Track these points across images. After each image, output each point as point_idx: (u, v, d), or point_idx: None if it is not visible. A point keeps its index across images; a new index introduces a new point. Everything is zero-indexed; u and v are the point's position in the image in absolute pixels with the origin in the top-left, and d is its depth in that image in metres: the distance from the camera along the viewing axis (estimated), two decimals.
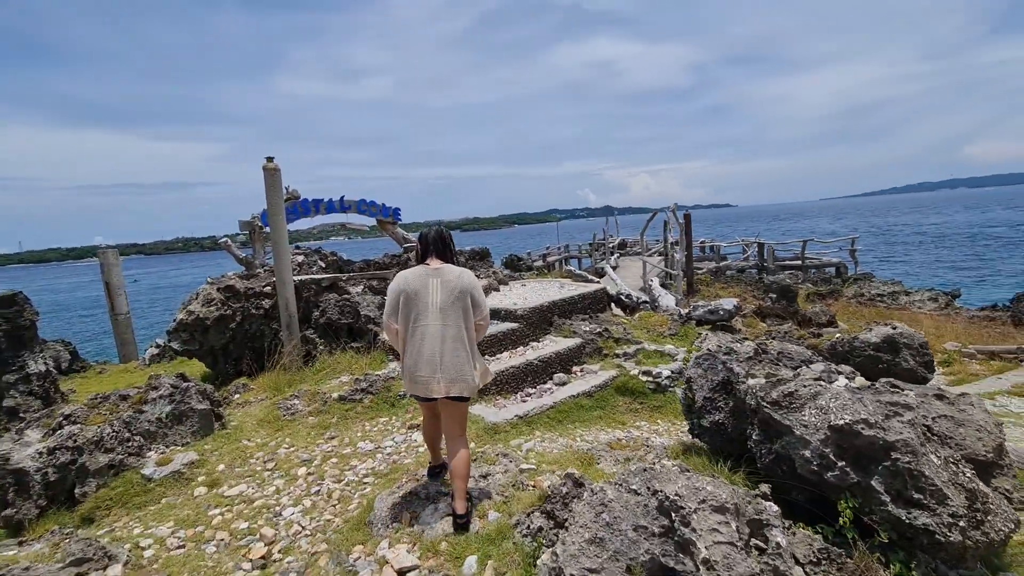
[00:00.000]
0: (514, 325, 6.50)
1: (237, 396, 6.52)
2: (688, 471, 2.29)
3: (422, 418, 3.42)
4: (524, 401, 5.43)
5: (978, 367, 8.48)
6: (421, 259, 3.06)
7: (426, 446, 3.52)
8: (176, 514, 3.66)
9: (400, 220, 13.27)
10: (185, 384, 4.80)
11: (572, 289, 8.02)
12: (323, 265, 9.58)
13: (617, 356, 6.49)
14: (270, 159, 6.87)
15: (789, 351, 3.55)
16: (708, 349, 3.31)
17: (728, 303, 7.10)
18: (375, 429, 5.04)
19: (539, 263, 24.25)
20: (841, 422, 2.27)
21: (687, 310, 7.95)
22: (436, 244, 3.04)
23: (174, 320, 7.29)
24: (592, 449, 4.07)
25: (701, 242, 28.65)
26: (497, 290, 8.72)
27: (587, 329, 6.86)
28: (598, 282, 10.47)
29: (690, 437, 3.71)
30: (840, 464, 2.25)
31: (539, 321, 6.92)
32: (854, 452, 2.27)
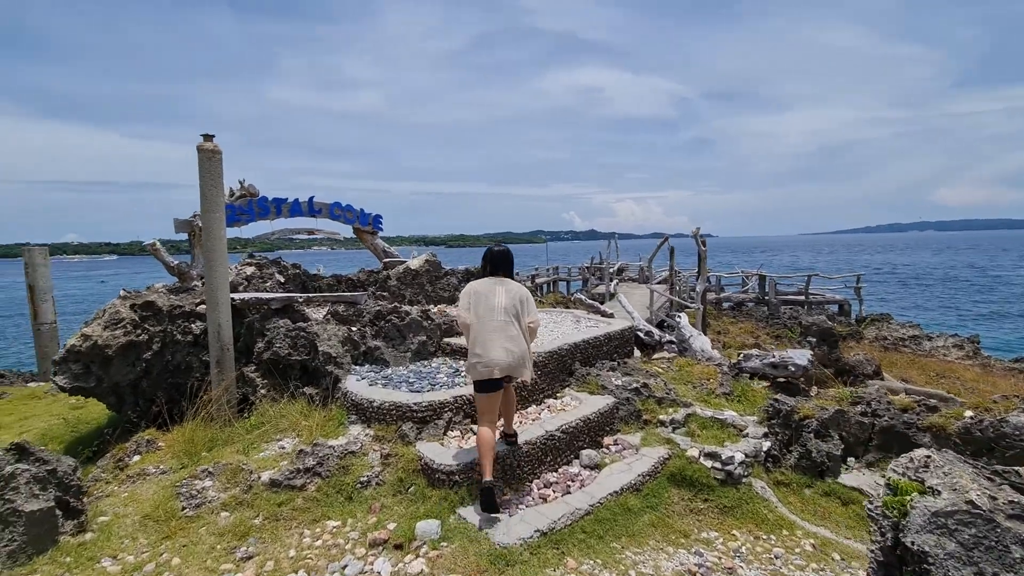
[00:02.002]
0: None
1: (136, 458, 4.67)
2: None
3: (479, 418, 3.50)
4: (544, 499, 3.70)
5: None
6: (491, 273, 3.67)
7: (480, 456, 3.39)
8: None
9: (381, 230, 11.41)
10: (11, 469, 2.98)
11: (593, 327, 6.33)
12: (282, 280, 7.75)
13: (663, 424, 4.81)
14: (208, 137, 5.13)
15: None
16: (969, 500, 1.65)
17: (800, 356, 5.49)
18: (318, 544, 3.26)
19: (528, 285, 22.62)
20: None
21: (735, 360, 6.34)
22: (503, 263, 3.70)
23: (63, 347, 5.42)
24: None
25: None
26: None
27: (619, 383, 5.18)
28: (612, 315, 8.84)
29: None
30: None
31: (557, 370, 5.22)
32: None
